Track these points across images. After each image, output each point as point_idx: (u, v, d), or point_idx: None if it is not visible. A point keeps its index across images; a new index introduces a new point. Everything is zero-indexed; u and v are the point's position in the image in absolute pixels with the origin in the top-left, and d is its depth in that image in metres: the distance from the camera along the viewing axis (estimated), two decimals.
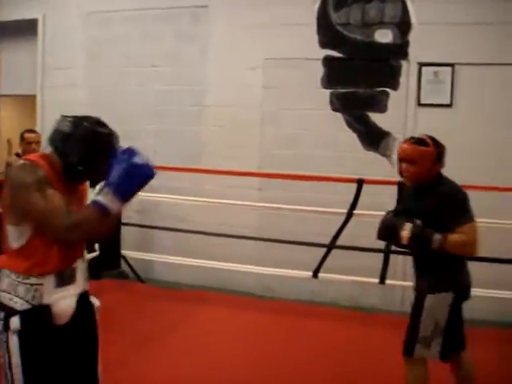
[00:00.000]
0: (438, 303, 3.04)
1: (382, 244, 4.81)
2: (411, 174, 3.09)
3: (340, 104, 5.66)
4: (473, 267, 3.19)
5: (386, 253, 4.77)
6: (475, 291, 3.91)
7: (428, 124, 5.40)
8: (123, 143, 5.95)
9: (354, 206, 4.82)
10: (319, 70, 5.68)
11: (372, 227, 5.19)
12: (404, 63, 5.46)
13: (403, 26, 5.43)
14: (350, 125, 5.64)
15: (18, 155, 5.15)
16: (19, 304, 2.18)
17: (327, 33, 5.63)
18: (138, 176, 2.09)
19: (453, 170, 5.14)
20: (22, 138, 5.15)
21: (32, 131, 5.38)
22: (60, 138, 2.30)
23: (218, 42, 5.98)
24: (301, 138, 5.76)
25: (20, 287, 2.18)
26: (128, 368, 3.88)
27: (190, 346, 4.24)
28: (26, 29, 6.72)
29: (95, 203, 2.05)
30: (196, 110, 6.06)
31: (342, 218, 4.92)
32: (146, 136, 6.26)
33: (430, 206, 3.00)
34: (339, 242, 4.93)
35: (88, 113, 6.63)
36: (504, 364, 4.09)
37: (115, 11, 6.34)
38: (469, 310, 5.13)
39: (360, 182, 4.83)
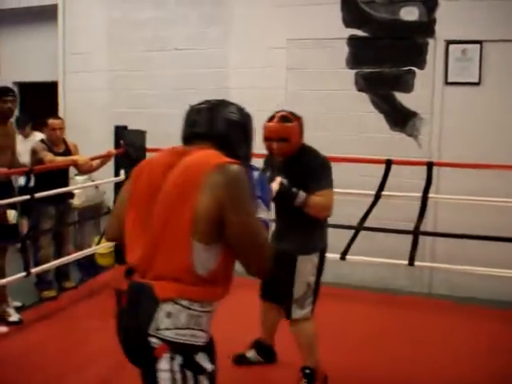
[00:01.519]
0: (308, 264, 3.29)
1: (410, 225, 4.78)
2: (285, 150, 3.27)
3: (365, 84, 5.57)
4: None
5: (415, 234, 4.71)
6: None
7: (456, 103, 5.33)
8: (147, 127, 5.98)
9: (382, 187, 4.75)
10: (344, 50, 5.59)
11: (399, 209, 5.19)
12: (431, 41, 5.35)
13: (429, 2, 5.31)
14: (375, 105, 5.56)
15: (42, 141, 5.15)
16: (204, 338, 1.86)
17: (352, 12, 5.53)
18: (269, 189, 2.17)
19: (482, 147, 5.12)
20: (46, 124, 5.15)
21: (56, 117, 5.38)
22: (228, 129, 1.96)
23: (240, 24, 5.92)
24: (325, 119, 5.68)
25: (203, 318, 1.85)
26: None
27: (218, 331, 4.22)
28: (45, 14, 6.70)
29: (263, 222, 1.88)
30: (219, 93, 5.94)
31: (369, 200, 4.86)
32: (169, 120, 6.21)
33: (296, 174, 3.23)
34: (367, 224, 4.87)
35: (111, 97, 6.72)
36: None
37: None
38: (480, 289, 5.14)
39: (388, 163, 4.75)
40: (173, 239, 1.78)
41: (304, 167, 3.28)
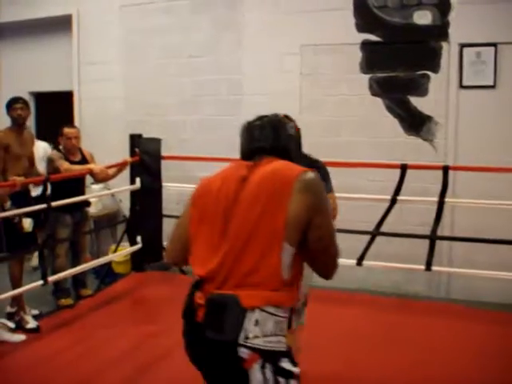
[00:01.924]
0: None
1: (427, 230, 4.76)
2: None
3: (380, 89, 5.56)
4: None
5: (432, 239, 4.68)
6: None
7: (471, 106, 5.30)
8: (163, 135, 6.04)
9: (397, 191, 4.73)
10: (357, 55, 5.58)
11: (416, 213, 5.16)
12: (444, 45, 5.32)
13: (442, 6, 5.28)
14: (390, 109, 5.54)
15: (58, 150, 5.19)
16: (286, 343, 1.86)
17: (364, 17, 5.53)
18: None
19: (498, 151, 5.08)
20: (62, 133, 5.18)
21: (71, 126, 5.41)
22: (289, 143, 2.11)
23: (254, 30, 5.93)
24: (340, 124, 5.68)
25: (284, 324, 1.86)
26: (175, 360, 3.88)
27: None
28: (60, 25, 6.77)
29: None
30: (234, 99, 6.03)
31: (385, 205, 4.84)
32: (184, 127, 6.27)
33: None
34: (383, 229, 4.85)
35: (126, 106, 6.75)
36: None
37: (150, 3, 6.34)
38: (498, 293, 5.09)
39: (404, 168, 4.74)
40: (262, 245, 1.84)
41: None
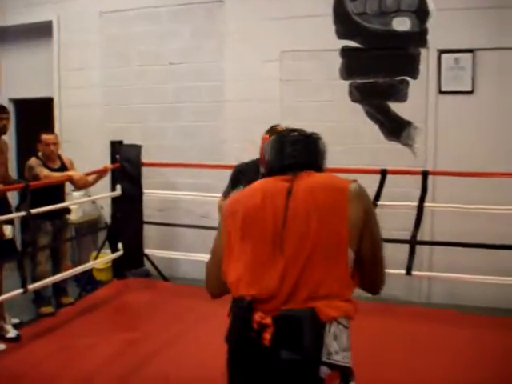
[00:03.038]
0: None
1: (406, 235, 4.79)
2: None
3: (359, 95, 5.59)
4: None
5: (412, 243, 4.72)
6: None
7: (449, 111, 5.36)
8: (144, 142, 6.04)
9: (378, 196, 4.76)
10: (337, 61, 5.61)
11: (396, 218, 5.19)
12: (423, 51, 5.38)
13: (421, 13, 5.33)
14: (370, 115, 5.58)
15: (37, 157, 5.15)
16: (349, 360, 1.76)
17: (344, 23, 5.57)
18: None
19: (476, 156, 5.14)
20: (40, 139, 5.15)
21: (50, 132, 5.39)
22: (321, 159, 2.10)
23: (234, 37, 5.94)
24: (320, 130, 5.59)
25: (349, 337, 1.80)
26: (157, 367, 3.87)
27: (221, 344, 4.22)
28: (41, 31, 6.73)
29: None
30: (215, 106, 6.04)
31: None
32: (165, 134, 6.26)
33: None
34: None
35: (106, 113, 6.71)
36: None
37: (130, 10, 6.32)
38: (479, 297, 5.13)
39: (384, 173, 4.78)
40: (328, 255, 1.76)
41: None
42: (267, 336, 1.68)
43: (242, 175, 3.25)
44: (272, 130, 3.20)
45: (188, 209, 6.13)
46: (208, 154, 5.97)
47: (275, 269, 1.75)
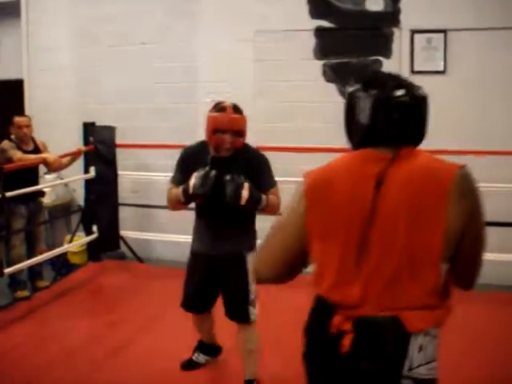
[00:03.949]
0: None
1: None
2: (237, 145, 3.00)
3: (333, 74, 5.61)
4: None
5: None
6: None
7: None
8: (118, 123, 5.96)
9: None
10: (311, 41, 5.63)
11: None
12: (396, 31, 5.42)
13: None
14: (343, 95, 5.57)
15: (10, 140, 5.09)
16: (434, 372, 1.60)
17: (317, 3, 5.56)
18: None
19: (450, 135, 5.19)
20: (13, 122, 5.08)
21: (22, 115, 5.32)
22: (425, 130, 1.71)
23: (207, 17, 5.90)
24: (295, 110, 5.71)
25: (437, 346, 1.62)
26: (136, 350, 3.89)
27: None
28: (8, 11, 6.60)
29: None
30: (189, 87, 6.00)
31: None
32: (140, 115, 6.20)
33: (243, 171, 2.95)
34: None
35: (78, 94, 6.60)
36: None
37: None
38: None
39: None
40: (417, 267, 1.53)
41: (252, 164, 3.06)
42: (346, 342, 1.54)
43: (190, 159, 3.09)
44: (218, 108, 3.02)
45: (163, 190, 6.07)
46: (183, 135, 5.91)
47: (357, 276, 1.56)
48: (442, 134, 5.21)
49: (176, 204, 3.09)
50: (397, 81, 1.64)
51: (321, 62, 5.63)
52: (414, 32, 5.36)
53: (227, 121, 2.97)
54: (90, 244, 5.87)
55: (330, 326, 1.56)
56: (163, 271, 5.49)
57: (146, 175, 6.00)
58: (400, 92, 1.60)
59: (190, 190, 2.90)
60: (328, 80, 5.63)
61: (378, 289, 1.54)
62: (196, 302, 3.30)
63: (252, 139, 3.04)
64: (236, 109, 3.03)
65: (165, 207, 5.81)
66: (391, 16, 5.40)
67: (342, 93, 5.58)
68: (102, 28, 6.27)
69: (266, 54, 5.75)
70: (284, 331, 3.49)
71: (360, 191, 1.57)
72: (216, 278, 3.19)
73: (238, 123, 3.00)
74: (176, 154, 5.77)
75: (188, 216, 5.78)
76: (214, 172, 2.91)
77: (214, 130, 2.96)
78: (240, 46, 5.78)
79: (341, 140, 5.64)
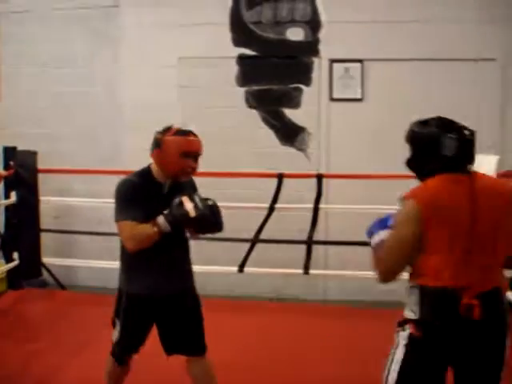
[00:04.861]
0: None
1: (304, 236, 4.99)
2: (195, 168, 2.90)
3: (255, 101, 5.77)
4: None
5: (309, 244, 4.93)
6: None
7: (340, 118, 5.64)
8: (40, 147, 5.85)
9: (275, 200, 4.94)
10: (234, 69, 5.77)
11: (292, 220, 5.39)
12: (316, 60, 5.65)
13: (313, 23, 5.61)
14: (266, 121, 5.77)
15: None
16: None
17: (240, 31, 5.72)
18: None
19: (367, 159, 5.43)
20: None
21: None
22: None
23: (130, 42, 5.92)
24: (218, 136, 5.77)
25: None
26: (66, 374, 3.82)
27: None
28: None
29: None
30: (112, 111, 6.00)
31: (263, 213, 5.03)
32: (62, 139, 6.13)
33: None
34: (262, 236, 5.04)
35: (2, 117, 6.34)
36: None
37: (24, 11, 6.13)
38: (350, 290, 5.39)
39: (280, 177, 4.96)
40: (501, 253, 2.23)
41: (192, 187, 3.03)
42: (476, 312, 2.11)
43: (139, 192, 2.83)
44: (181, 132, 2.88)
45: (85, 215, 6.05)
46: (105, 160, 5.92)
47: (472, 262, 2.14)
48: (359, 159, 5.48)
49: (147, 241, 2.71)
50: (460, 124, 2.26)
51: (243, 89, 5.77)
52: (332, 61, 5.61)
53: (197, 144, 2.89)
54: (10, 271, 5.72)
55: (460, 303, 2.12)
56: (87, 298, 5.42)
57: (68, 200, 5.92)
58: (466, 131, 2.23)
59: (192, 214, 2.68)
60: (251, 106, 5.78)
61: (485, 273, 2.17)
62: (135, 350, 3.00)
63: None
64: (192, 132, 2.93)
65: (88, 233, 5.84)
66: (311, 46, 5.63)
67: (265, 119, 5.75)
68: (24, 51, 6.13)
69: (190, 80, 5.84)
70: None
71: (462, 203, 2.17)
72: (162, 318, 2.92)
73: (201, 147, 2.92)
74: (98, 179, 5.81)
75: (111, 241, 5.76)
76: (197, 193, 2.84)
77: (184, 154, 2.81)
78: (164, 72, 5.82)
79: (263, 164, 5.82)
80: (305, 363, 4.01)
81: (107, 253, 5.73)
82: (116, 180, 5.83)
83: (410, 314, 2.22)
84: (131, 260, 2.83)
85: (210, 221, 2.80)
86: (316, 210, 4.98)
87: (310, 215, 4.99)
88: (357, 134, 5.62)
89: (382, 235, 2.32)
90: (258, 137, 5.77)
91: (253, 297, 5.56)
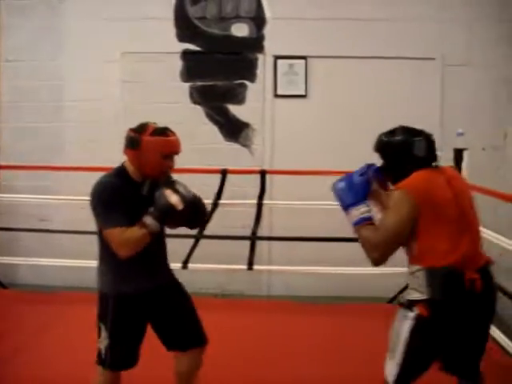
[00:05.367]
0: None
1: (247, 232, 5.01)
2: (172, 167, 2.87)
3: (200, 97, 5.76)
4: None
5: (252, 239, 4.95)
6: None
7: (285, 114, 5.68)
8: None
9: (219, 195, 4.94)
10: (178, 64, 5.74)
11: (236, 216, 5.41)
12: (260, 56, 5.67)
13: (258, 20, 5.63)
14: (210, 117, 5.76)
15: None
16: None
17: (185, 27, 5.70)
18: None
19: (310, 155, 5.49)
20: None
21: None
22: None
23: (74, 36, 5.81)
24: None
25: None
26: (5, 378, 3.75)
27: (64, 347, 4.16)
28: None
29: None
30: (55, 106, 5.88)
31: (207, 209, 5.02)
32: (2, 134, 5.99)
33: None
34: (206, 232, 5.03)
35: None
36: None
37: None
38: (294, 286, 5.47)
39: (224, 173, 4.97)
40: (478, 228, 2.55)
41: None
42: (478, 285, 2.37)
43: (119, 195, 2.69)
44: (159, 131, 2.83)
45: (27, 212, 5.92)
46: (49, 156, 5.80)
47: (464, 240, 2.41)
48: (303, 155, 5.53)
49: (140, 245, 2.61)
50: (420, 129, 2.60)
51: (188, 85, 5.75)
52: (276, 58, 5.64)
53: (178, 144, 2.84)
54: None
55: (465, 278, 2.36)
56: (27, 296, 5.31)
57: (9, 197, 5.78)
58: (427, 134, 2.58)
59: (180, 206, 2.61)
60: (195, 102, 5.76)
61: (475, 246, 2.48)
62: (135, 354, 2.86)
63: (121, 160, 2.95)
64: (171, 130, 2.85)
65: (29, 230, 5.71)
66: (255, 42, 5.65)
67: (209, 115, 5.74)
68: None
69: (134, 75, 5.78)
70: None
71: (446, 191, 2.46)
72: (155, 313, 2.86)
73: (181, 145, 2.87)
74: (41, 175, 5.70)
75: (54, 239, 5.68)
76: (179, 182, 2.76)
77: (167, 154, 2.78)
78: (107, 67, 5.74)
79: (207, 160, 5.82)
80: (252, 360, 4.04)
81: (48, 250, 5.66)
82: (59, 176, 5.82)
83: (417, 295, 2.42)
84: (114, 260, 2.69)
85: (199, 211, 2.82)
86: (260, 205, 5.00)
87: (253, 211, 5.01)
88: (301, 130, 5.67)
89: (362, 210, 2.48)
90: (202, 132, 5.75)
91: (197, 293, 5.53)
